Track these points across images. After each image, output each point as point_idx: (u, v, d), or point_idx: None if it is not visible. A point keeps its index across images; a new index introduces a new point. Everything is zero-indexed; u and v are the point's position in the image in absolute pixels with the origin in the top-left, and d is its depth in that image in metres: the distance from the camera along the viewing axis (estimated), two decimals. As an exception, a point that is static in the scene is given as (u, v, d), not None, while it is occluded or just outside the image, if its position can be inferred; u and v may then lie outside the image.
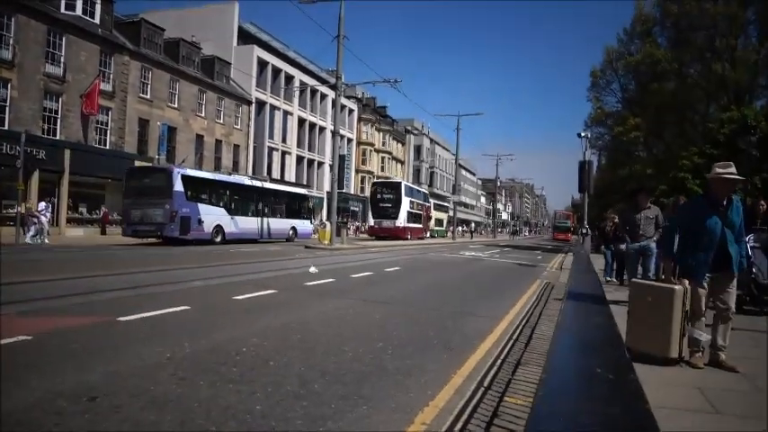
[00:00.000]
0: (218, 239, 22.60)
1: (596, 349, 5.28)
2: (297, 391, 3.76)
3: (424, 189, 50.78)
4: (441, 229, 48.99)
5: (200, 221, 21.53)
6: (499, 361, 4.99)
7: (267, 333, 5.58)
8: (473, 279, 13.30)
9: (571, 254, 24.89)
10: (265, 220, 26.20)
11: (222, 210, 23.36)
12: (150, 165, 26.34)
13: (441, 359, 4.93)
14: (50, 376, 3.77)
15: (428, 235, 41.31)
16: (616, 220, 13.09)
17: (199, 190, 22.17)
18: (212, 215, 22.34)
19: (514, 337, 6.15)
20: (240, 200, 24.96)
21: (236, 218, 23.88)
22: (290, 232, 28.02)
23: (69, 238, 22.88)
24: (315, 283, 10.02)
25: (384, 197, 36.29)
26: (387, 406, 3.59)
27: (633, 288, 5.18)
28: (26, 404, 3.26)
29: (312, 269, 12.29)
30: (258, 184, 27.12)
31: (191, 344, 4.89)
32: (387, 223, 34.76)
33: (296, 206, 29.37)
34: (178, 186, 20.65)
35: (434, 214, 47.10)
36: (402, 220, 35.11)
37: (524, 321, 7.14)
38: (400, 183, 38.38)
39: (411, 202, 37.26)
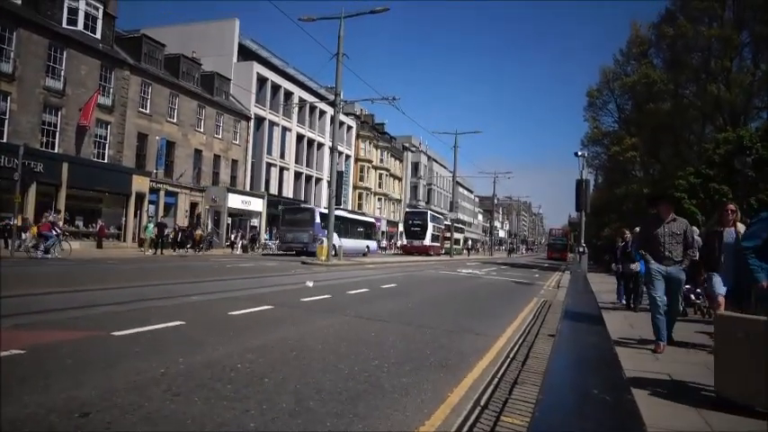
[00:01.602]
0: (334, 254, 29.36)
1: (593, 369, 5.25)
2: (292, 408, 3.73)
3: (441, 214, 58.43)
4: (458, 247, 55.40)
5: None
6: (496, 380, 4.97)
7: (262, 349, 5.54)
8: (470, 296, 13.26)
9: (568, 272, 24.86)
10: (356, 240, 35.57)
11: (336, 234, 30.82)
12: (300, 205, 37.48)
13: (437, 377, 4.91)
14: (43, 391, 3.74)
15: (443, 252, 47.29)
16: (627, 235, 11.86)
17: (326, 221, 29.99)
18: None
19: (511, 355, 6.13)
20: (344, 227, 33.46)
21: (343, 239, 31.24)
22: (366, 249, 36.94)
23: (66, 251, 22.71)
24: (311, 299, 9.98)
25: (414, 222, 45.63)
26: (382, 425, 3.57)
27: (719, 322, 4.39)
28: (17, 419, 3.22)
29: (309, 283, 12.73)
30: (353, 216, 38.81)
31: (185, 359, 4.85)
32: (416, 242, 43.98)
33: (369, 230, 39.87)
34: (317, 219, 30.01)
35: (455, 235, 54.64)
36: (428, 240, 43.95)
37: (521, 340, 7.12)
38: (426, 212, 47.51)
39: (434, 226, 45.37)
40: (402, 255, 43.27)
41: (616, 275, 12.21)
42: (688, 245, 6.16)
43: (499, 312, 10.04)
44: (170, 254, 25.71)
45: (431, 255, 42.57)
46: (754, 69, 30.50)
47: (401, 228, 60.59)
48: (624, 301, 11.37)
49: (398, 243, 52.64)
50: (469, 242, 77.26)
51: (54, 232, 19.34)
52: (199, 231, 30.76)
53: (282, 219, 32.27)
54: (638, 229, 11.07)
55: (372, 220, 43.26)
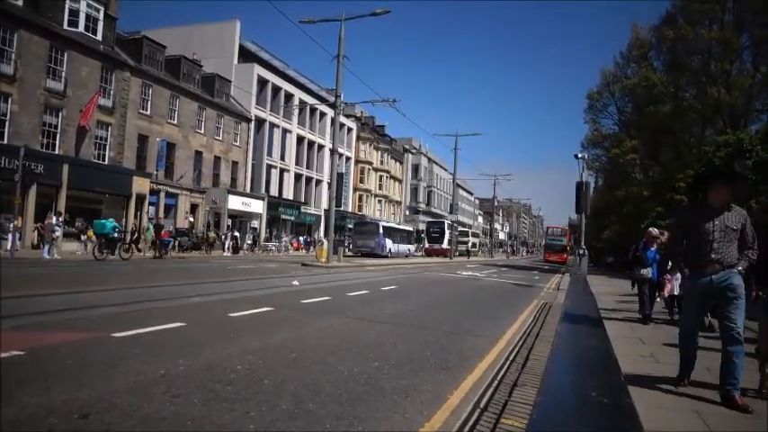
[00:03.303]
0: (389, 255, 40.22)
1: (592, 372, 5.26)
2: (291, 410, 3.73)
3: (441, 216, 67.67)
4: (474, 249, 63.80)
5: (386, 246, 40.62)
6: (496, 382, 4.97)
7: (262, 351, 5.54)
8: (470, 298, 13.25)
9: (568, 275, 24.86)
10: (402, 244, 45.94)
11: (391, 240, 42.55)
12: (369, 220, 48.26)
13: (437, 379, 4.91)
14: (42, 392, 3.74)
15: (458, 253, 54.49)
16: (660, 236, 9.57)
17: (386, 231, 41.90)
18: (388, 243, 41.48)
19: (511, 357, 6.13)
20: (394, 234, 44.68)
21: (394, 244, 43.25)
22: (408, 251, 47.28)
23: (66, 253, 22.74)
24: (311, 300, 9.98)
25: (435, 230, 54.11)
26: (382, 427, 3.57)
27: None
28: (17, 420, 3.22)
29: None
30: (400, 226, 50.94)
31: (185, 361, 4.85)
32: (437, 246, 51.57)
33: (410, 236, 51.47)
34: (381, 231, 40.65)
35: (471, 239, 64.81)
36: (446, 244, 51.26)
37: (521, 342, 7.12)
38: (444, 221, 55.41)
39: (450, 233, 52.92)
40: (402, 257, 46.59)
41: (636, 284, 9.87)
42: (746, 243, 4.38)
43: (499, 314, 10.04)
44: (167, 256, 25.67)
45: (447, 256, 49.57)
46: (754, 72, 30.51)
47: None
48: (640, 313, 9.51)
49: None
50: (469, 244, 77.28)
51: (170, 238, 24.02)
52: (212, 234, 31.56)
53: (354, 229, 43.95)
54: (653, 229, 9.80)
55: (411, 229, 55.37)
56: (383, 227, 41.89)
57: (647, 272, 9.47)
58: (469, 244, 61.58)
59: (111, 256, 19.76)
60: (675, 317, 9.24)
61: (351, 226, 59.43)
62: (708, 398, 4.31)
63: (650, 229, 10.05)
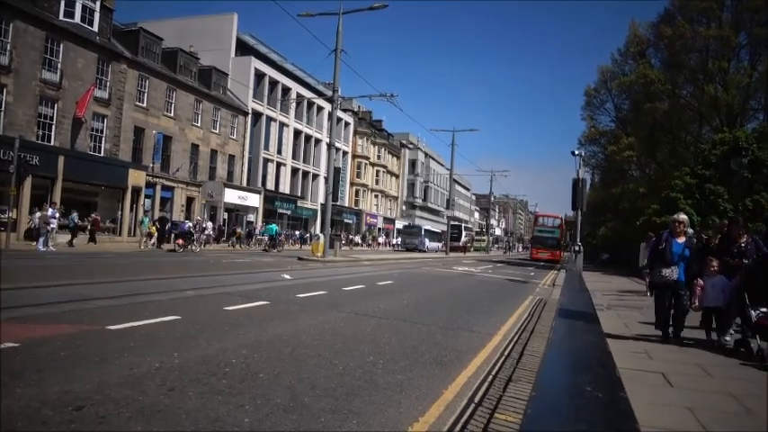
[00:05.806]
0: (426, 250, 50.95)
1: (586, 367, 5.28)
2: (286, 404, 3.73)
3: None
4: (488, 246, 76.77)
5: (425, 244, 52.31)
6: (490, 377, 4.98)
7: (257, 345, 5.54)
8: (465, 294, 13.27)
9: (564, 271, 24.92)
10: (435, 242, 56.69)
11: (428, 239, 54.40)
12: (414, 224, 60.77)
13: (432, 374, 4.92)
14: (36, 384, 3.73)
15: (472, 249, 66.30)
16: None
17: (425, 233, 54.71)
18: (426, 241, 53.15)
19: (506, 353, 6.15)
20: (430, 235, 56.97)
21: (430, 241, 54.81)
22: (438, 247, 56.15)
23: (60, 245, 22.63)
24: (306, 295, 9.98)
25: (454, 232, 59.76)
26: (377, 421, 3.57)
27: None
28: (10, 412, 3.21)
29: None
30: (434, 228, 63.05)
31: (180, 354, 4.85)
32: (455, 244, 57.74)
33: (441, 236, 59.24)
34: (423, 233, 54.24)
35: (485, 237, 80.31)
36: (462, 243, 60.75)
37: (516, 338, 7.14)
38: (462, 225, 66.04)
39: (465, 233, 64.51)
40: (398, 252, 49.67)
41: (654, 289, 7.49)
42: None
43: (494, 310, 10.06)
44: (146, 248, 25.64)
45: (464, 252, 58.77)
46: (751, 71, 30.56)
47: (399, 225, 64.40)
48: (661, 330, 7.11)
49: (394, 242, 61.91)
50: (484, 242, 77.94)
51: (281, 237, 32.69)
52: (239, 230, 34.85)
53: (403, 231, 57.15)
54: (680, 215, 7.27)
55: (438, 231, 63.84)
56: (424, 229, 55.98)
57: (672, 272, 6.82)
58: (484, 242, 76.63)
59: (273, 250, 30.00)
60: (713, 337, 6.88)
61: (348, 221, 62.25)
62: (699, 396, 4.32)
63: (677, 214, 7.39)
